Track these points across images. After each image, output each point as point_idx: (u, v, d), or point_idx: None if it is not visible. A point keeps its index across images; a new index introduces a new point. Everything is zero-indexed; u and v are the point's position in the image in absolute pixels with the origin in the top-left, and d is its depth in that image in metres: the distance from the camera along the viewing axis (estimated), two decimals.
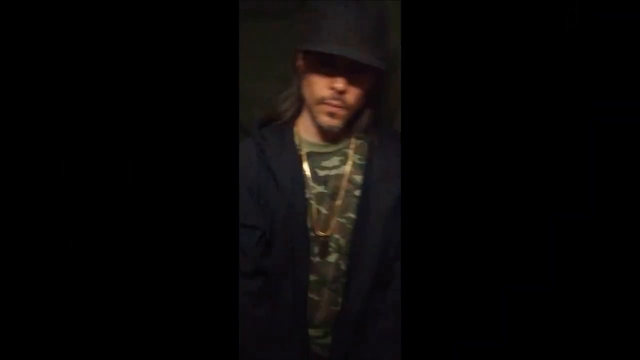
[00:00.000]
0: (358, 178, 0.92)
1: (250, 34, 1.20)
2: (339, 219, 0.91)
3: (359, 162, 0.93)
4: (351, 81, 0.85)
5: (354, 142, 0.94)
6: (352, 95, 0.86)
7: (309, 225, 0.90)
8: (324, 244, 0.91)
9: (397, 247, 0.90)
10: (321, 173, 0.92)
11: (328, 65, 0.84)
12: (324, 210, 0.91)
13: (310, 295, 0.91)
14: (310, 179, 0.91)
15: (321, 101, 0.87)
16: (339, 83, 0.84)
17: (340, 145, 0.94)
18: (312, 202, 0.91)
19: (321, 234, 0.90)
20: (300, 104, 0.94)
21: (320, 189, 0.91)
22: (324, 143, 0.94)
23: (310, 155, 0.93)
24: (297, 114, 0.95)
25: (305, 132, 0.94)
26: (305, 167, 0.92)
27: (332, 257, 0.91)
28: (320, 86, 0.86)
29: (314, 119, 0.90)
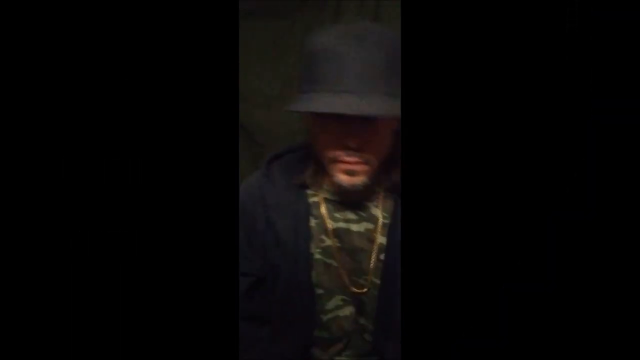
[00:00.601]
0: (381, 239, 0.79)
1: (250, 33, 1.20)
2: (359, 279, 0.79)
3: (384, 219, 0.79)
4: (367, 134, 0.71)
5: (381, 197, 0.80)
6: (372, 149, 0.72)
7: (317, 283, 0.80)
8: (355, 305, 0.79)
9: None
10: (333, 225, 0.80)
11: (333, 117, 0.69)
12: (332, 268, 0.79)
13: (314, 350, 0.82)
14: (319, 231, 0.79)
15: (334, 160, 0.73)
16: (351, 142, 0.70)
17: (360, 197, 0.80)
18: (320, 257, 0.79)
19: (354, 290, 0.78)
20: (321, 168, 0.78)
21: (331, 242, 0.79)
22: (342, 195, 0.80)
23: (323, 203, 0.80)
24: (319, 178, 0.81)
25: (322, 177, 0.80)
26: (314, 216, 0.80)
27: (344, 311, 0.81)
28: (330, 144, 0.72)
29: (332, 179, 0.75)
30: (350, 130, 0.70)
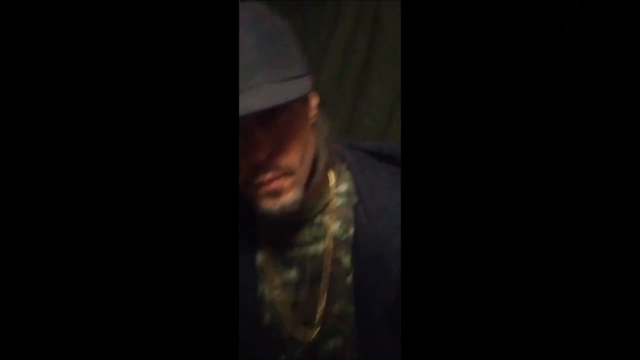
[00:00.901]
0: (346, 259, 0.66)
1: None
2: (332, 318, 0.67)
3: (340, 235, 0.66)
4: (272, 135, 0.59)
5: (333, 205, 0.66)
6: (287, 155, 0.60)
7: (284, 330, 0.67)
8: (313, 352, 0.66)
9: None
10: (289, 254, 0.67)
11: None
12: (302, 299, 0.67)
13: None
14: (274, 264, 0.67)
15: (251, 186, 0.60)
16: (259, 151, 0.58)
17: (311, 213, 0.67)
18: (275, 298, 0.66)
19: (302, 338, 0.65)
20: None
21: (290, 275, 0.67)
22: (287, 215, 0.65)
23: (269, 232, 0.67)
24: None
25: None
26: (263, 252, 0.67)
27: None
28: (242, 169, 0.59)
29: (258, 213, 0.63)
30: (253, 142, 0.59)
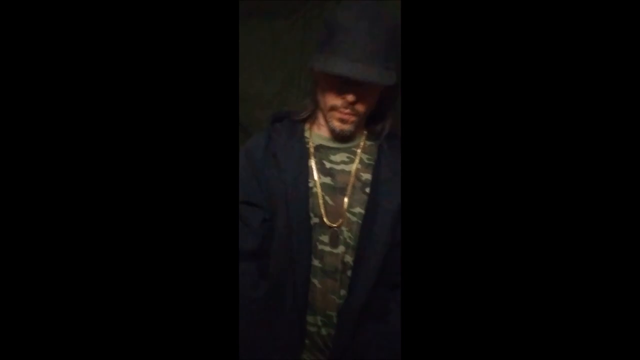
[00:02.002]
0: (366, 176, 0.97)
1: (250, 33, 1.20)
2: (347, 213, 0.94)
3: (368, 161, 0.98)
4: (362, 93, 0.91)
5: (363, 143, 1.00)
6: (363, 105, 0.92)
7: (314, 213, 0.94)
8: (334, 234, 0.94)
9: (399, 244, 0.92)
10: (328, 165, 0.97)
11: (340, 77, 0.88)
12: (330, 202, 0.94)
13: (313, 280, 0.93)
14: (316, 169, 0.96)
15: (333, 109, 0.93)
16: (350, 96, 0.90)
17: (349, 144, 0.99)
18: (317, 191, 0.95)
19: (330, 223, 0.93)
20: (315, 107, 0.99)
21: (326, 180, 0.96)
22: (334, 141, 0.99)
23: (318, 148, 0.98)
24: (312, 115, 1.00)
25: (317, 129, 1.00)
26: (312, 158, 0.97)
27: (339, 249, 0.93)
28: (333, 96, 0.92)
29: (326, 121, 0.96)
30: (350, 88, 0.89)
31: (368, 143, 1.00)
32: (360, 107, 0.92)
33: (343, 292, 0.93)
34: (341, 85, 0.90)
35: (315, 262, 0.94)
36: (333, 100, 0.92)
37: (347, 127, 0.94)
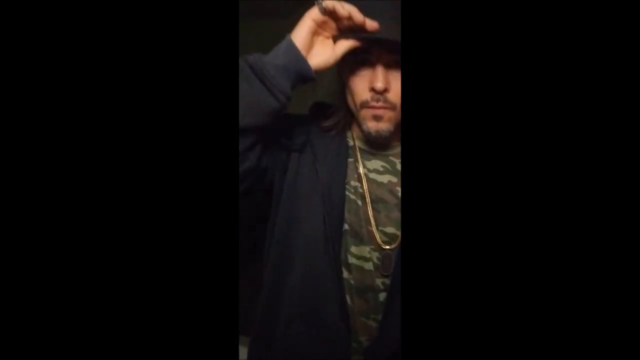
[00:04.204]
0: (399, 191, 0.85)
1: (250, 33, 1.20)
2: (376, 229, 0.85)
3: None
4: (391, 78, 0.81)
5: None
6: (396, 93, 0.81)
7: (346, 220, 0.84)
8: (387, 257, 0.84)
9: None
10: (361, 170, 0.87)
11: (366, 63, 0.81)
12: (360, 211, 0.85)
13: (346, 296, 0.83)
14: (352, 171, 0.87)
15: (364, 105, 0.83)
16: (379, 82, 0.80)
17: (388, 151, 0.88)
18: (349, 194, 0.86)
19: (383, 244, 0.83)
20: (348, 117, 0.89)
21: (358, 186, 0.87)
22: (370, 146, 0.89)
23: (355, 150, 0.88)
24: (346, 125, 0.91)
25: (355, 131, 0.90)
26: (350, 158, 0.87)
27: (368, 265, 0.85)
28: (361, 89, 0.82)
29: (360, 126, 0.85)
30: (378, 73, 0.80)
31: None
32: (392, 97, 0.81)
33: (374, 316, 0.83)
34: (367, 71, 0.80)
35: (346, 275, 0.84)
36: (362, 94, 0.82)
37: (383, 127, 0.82)
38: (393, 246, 0.83)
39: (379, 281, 0.84)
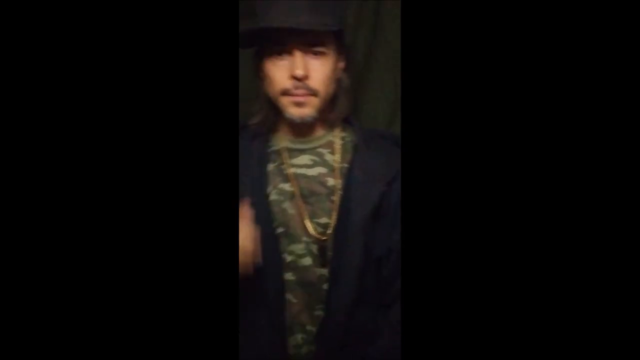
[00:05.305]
0: (332, 181, 0.88)
1: None
2: (310, 223, 0.86)
3: (336, 164, 0.88)
4: (310, 64, 0.82)
5: (336, 143, 0.90)
6: (316, 79, 0.82)
7: (279, 222, 0.86)
8: (322, 249, 0.86)
9: (378, 258, 0.87)
10: (290, 170, 0.88)
11: (283, 52, 0.81)
12: (290, 210, 0.87)
13: (288, 296, 0.86)
14: (275, 175, 0.88)
15: (285, 94, 0.83)
16: (298, 69, 0.80)
17: (315, 143, 0.90)
18: (276, 198, 0.86)
19: (317, 236, 0.85)
20: (272, 113, 0.88)
21: (285, 186, 0.87)
22: (299, 139, 0.89)
23: (281, 152, 0.89)
24: (272, 125, 0.90)
25: (283, 131, 0.90)
26: (271, 163, 0.88)
27: (307, 260, 0.87)
28: (280, 77, 0.82)
29: (284, 115, 0.85)
30: (296, 60, 0.81)
31: (339, 142, 0.89)
32: (314, 83, 0.82)
33: (320, 306, 0.86)
34: (285, 60, 0.80)
35: (288, 276, 0.86)
36: (281, 83, 0.82)
37: (306, 112, 0.83)
38: (328, 235, 0.85)
39: (319, 272, 0.86)
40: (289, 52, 0.81)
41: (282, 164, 0.88)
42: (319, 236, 0.86)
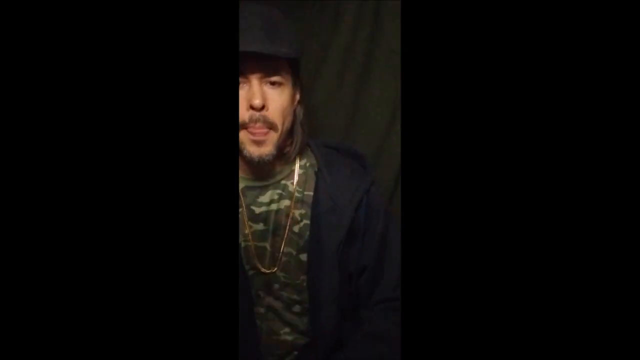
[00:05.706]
0: (298, 213, 0.88)
1: None
2: (283, 257, 0.88)
3: (299, 195, 0.89)
4: (268, 94, 0.81)
5: (295, 173, 0.89)
6: (274, 110, 0.82)
7: (250, 265, 0.88)
8: (267, 282, 0.89)
9: (356, 280, 0.89)
10: (257, 210, 0.88)
11: (241, 82, 0.80)
12: (269, 248, 0.88)
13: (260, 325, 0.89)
14: (247, 217, 0.87)
15: (243, 127, 0.81)
16: (256, 98, 0.79)
17: (277, 177, 0.89)
18: (249, 241, 0.87)
19: (264, 270, 0.87)
20: None
21: (259, 227, 0.88)
22: (259, 179, 0.89)
23: (244, 192, 0.88)
24: None
25: (241, 170, 0.89)
26: (239, 205, 0.87)
27: (284, 292, 0.89)
28: (240, 109, 0.81)
29: (242, 153, 0.84)
30: (254, 90, 0.80)
31: (300, 172, 0.89)
32: (272, 115, 0.81)
33: (287, 329, 0.89)
34: (243, 90, 0.80)
35: (260, 309, 0.89)
36: (241, 114, 0.80)
37: (265, 151, 0.82)
38: (274, 269, 0.87)
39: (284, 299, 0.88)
40: (246, 81, 0.81)
41: (251, 205, 0.88)
42: (266, 271, 0.88)
